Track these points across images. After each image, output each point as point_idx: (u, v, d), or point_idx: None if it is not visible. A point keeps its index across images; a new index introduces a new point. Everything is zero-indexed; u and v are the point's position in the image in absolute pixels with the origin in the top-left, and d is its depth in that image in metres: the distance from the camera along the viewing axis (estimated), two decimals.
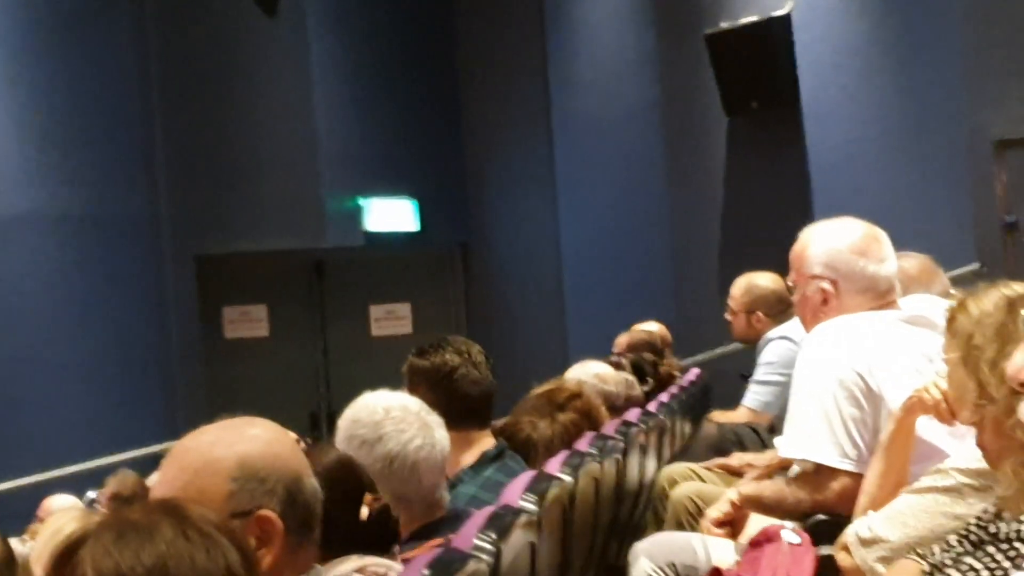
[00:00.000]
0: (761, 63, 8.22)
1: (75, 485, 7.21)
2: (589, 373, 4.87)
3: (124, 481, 6.39)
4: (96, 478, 7.23)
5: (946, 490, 2.54)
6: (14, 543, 3.78)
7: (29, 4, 8.75)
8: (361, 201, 10.67)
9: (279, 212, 10.08)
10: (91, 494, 6.76)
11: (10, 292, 8.77)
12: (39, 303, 8.85)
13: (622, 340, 6.59)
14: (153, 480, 2.59)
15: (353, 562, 2.30)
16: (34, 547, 3.72)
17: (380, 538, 2.48)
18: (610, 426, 4.03)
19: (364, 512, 2.66)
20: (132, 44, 9.09)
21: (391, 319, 10.69)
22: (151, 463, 7.15)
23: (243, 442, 1.99)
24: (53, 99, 8.88)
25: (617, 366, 5.37)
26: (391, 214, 10.83)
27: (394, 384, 3.16)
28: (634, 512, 4.29)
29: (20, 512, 6.99)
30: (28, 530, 6.12)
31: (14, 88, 8.81)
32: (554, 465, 3.14)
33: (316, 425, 9.61)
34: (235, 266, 10.14)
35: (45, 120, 8.88)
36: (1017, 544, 2.16)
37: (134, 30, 9.13)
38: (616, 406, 4.72)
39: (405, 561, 2.43)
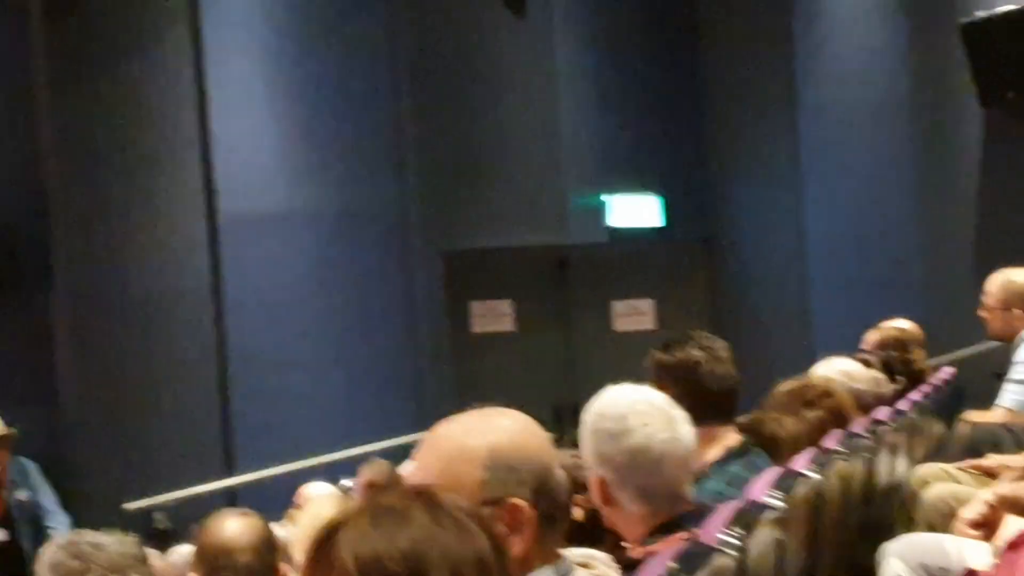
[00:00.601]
0: (1019, 52, 7.97)
1: (330, 473, 7.44)
2: (837, 370, 4.79)
3: (377, 470, 6.57)
4: (349, 467, 7.44)
5: None
6: (275, 527, 3.93)
7: (287, 8, 9.06)
8: (604, 197, 10.69)
9: (524, 209, 10.18)
10: (346, 482, 6.96)
11: (269, 287, 9.10)
12: (296, 298, 9.15)
13: (871, 337, 6.45)
14: (406, 469, 2.65)
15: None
16: (293, 532, 3.86)
17: (591, 537, 2.50)
18: (859, 424, 3.96)
19: (578, 513, 2.69)
20: (384, 45, 9.32)
21: (634, 314, 10.68)
22: (402, 453, 7.32)
23: (494, 432, 2.02)
24: (310, 100, 9.16)
25: (866, 363, 5.26)
26: (634, 210, 10.82)
27: (637, 379, 3.16)
28: (883, 512, 4.20)
29: (279, 498, 7.25)
30: (287, 515, 6.34)
31: (273, 90, 9.13)
32: (801, 462, 3.10)
33: (560, 419, 9.68)
34: (481, 262, 10.30)
35: (302, 121, 9.17)
36: None
37: (386, 32, 9.36)
38: (865, 404, 4.62)
39: (648, 554, 2.43)
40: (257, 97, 9.14)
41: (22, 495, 7.99)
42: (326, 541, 1.62)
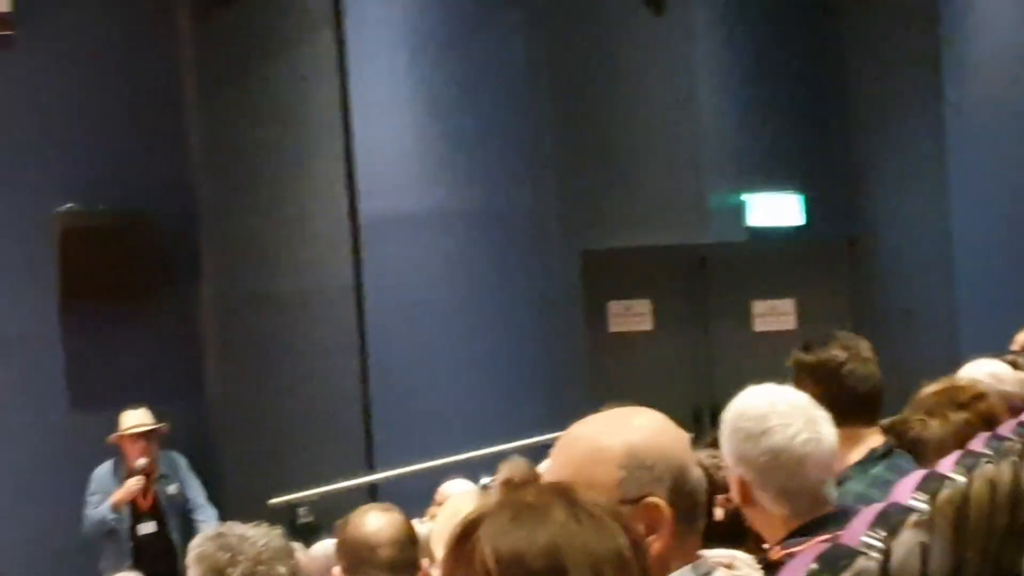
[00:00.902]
0: None
1: (468, 471, 7.48)
2: (984, 372, 4.69)
3: (516, 468, 6.59)
4: (487, 465, 7.48)
5: None
6: (415, 524, 3.98)
7: (428, 11, 9.14)
8: (744, 196, 10.60)
9: (663, 208, 10.14)
10: (485, 479, 7.00)
11: (410, 285, 9.19)
12: (435, 297, 9.22)
13: (1021, 338, 6.31)
14: (543, 467, 2.67)
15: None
16: (433, 528, 3.90)
17: (733, 537, 2.49)
18: (1006, 427, 3.87)
19: (719, 513, 2.67)
20: (523, 45, 9.35)
21: (774, 314, 10.57)
22: (540, 452, 7.33)
23: (630, 431, 2.02)
24: (450, 101, 9.23)
25: (1014, 365, 5.15)
26: (775, 209, 10.71)
27: (778, 380, 3.13)
28: None
29: (418, 495, 7.32)
30: (426, 512, 6.40)
31: (414, 91, 9.22)
32: (947, 465, 3.05)
33: (699, 419, 9.62)
34: (620, 261, 10.28)
35: (443, 121, 9.25)
36: None
37: (525, 32, 9.39)
38: (1013, 407, 4.52)
39: (789, 556, 2.42)
40: (398, 98, 9.23)
41: (172, 488, 8.20)
42: (466, 536, 1.64)
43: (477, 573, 1.59)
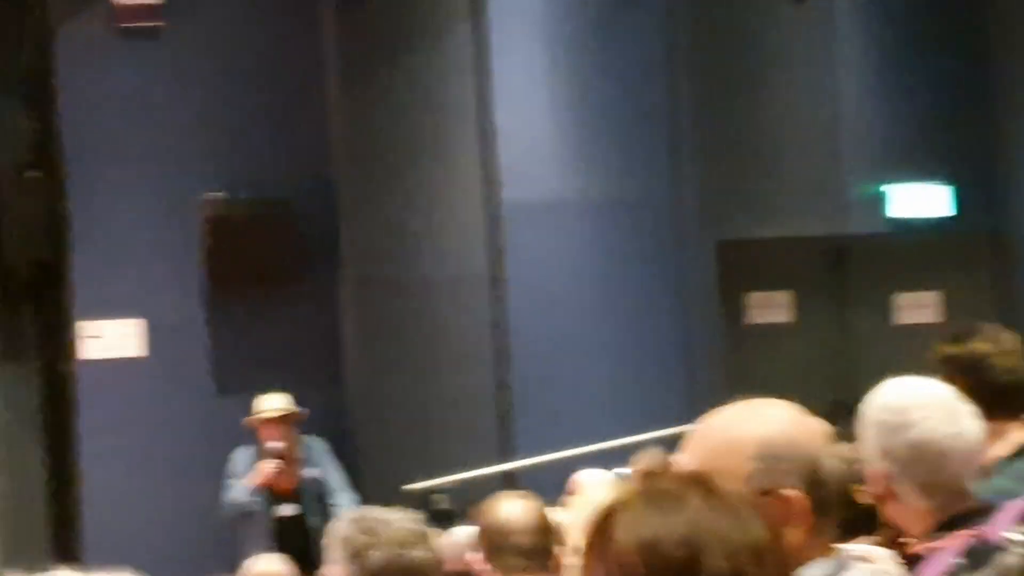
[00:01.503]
0: None
1: (603, 461, 7.48)
2: None
3: (651, 459, 6.58)
4: (623, 455, 7.47)
5: None
6: (550, 512, 4.00)
7: None
8: (886, 187, 10.42)
9: (801, 198, 10.02)
10: (621, 470, 6.99)
11: (546, 275, 9.20)
12: (573, 286, 9.23)
13: None
14: (677, 459, 2.67)
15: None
16: (568, 517, 3.92)
17: (866, 527, 2.45)
18: None
19: (861, 504, 2.63)
20: (660, 32, 9.31)
21: (917, 307, 10.39)
22: (675, 443, 7.31)
23: (764, 423, 2.01)
24: (589, 89, 9.23)
25: None
26: (917, 199, 10.51)
27: (919, 373, 3.08)
28: None
29: (554, 484, 7.33)
30: (561, 502, 6.42)
31: (553, 80, 9.23)
32: None
33: (838, 412, 9.50)
34: (757, 252, 10.18)
35: (581, 109, 9.25)
36: None
37: (664, 20, 9.34)
38: None
39: (931, 550, 2.38)
40: (537, 87, 9.25)
41: (311, 472, 8.34)
42: (604, 524, 1.65)
43: (614, 561, 1.60)
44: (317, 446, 8.47)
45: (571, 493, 6.64)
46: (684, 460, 2.09)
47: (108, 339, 8.57)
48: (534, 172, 9.10)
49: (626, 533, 1.61)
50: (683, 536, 1.59)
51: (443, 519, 7.27)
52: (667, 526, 1.60)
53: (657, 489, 1.69)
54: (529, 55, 9.06)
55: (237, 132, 8.89)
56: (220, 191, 8.78)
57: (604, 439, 8.31)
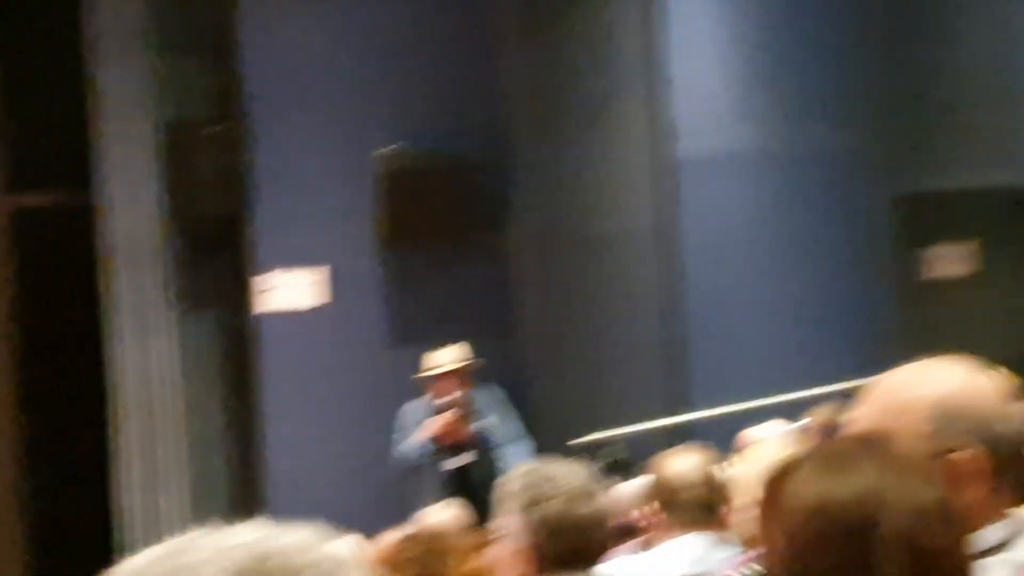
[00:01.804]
0: None
1: (775, 416, 7.43)
2: None
3: (823, 416, 6.53)
4: (794, 411, 7.41)
5: None
6: (719, 468, 4.00)
7: None
8: None
9: (984, 147, 9.75)
10: (793, 425, 6.94)
11: (718, 227, 9.14)
12: (747, 239, 9.15)
13: None
14: (849, 417, 2.65)
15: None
16: (736, 474, 3.91)
17: None
18: None
19: None
20: None
21: None
22: (849, 399, 7.21)
23: (940, 382, 1.99)
24: (763, 40, 9.10)
25: None
26: None
27: None
28: None
29: (724, 439, 7.31)
30: (728, 458, 6.40)
31: (727, 31, 9.13)
32: None
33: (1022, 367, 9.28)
34: (936, 204, 9.94)
35: (756, 61, 9.14)
36: None
37: None
38: None
39: None
40: (709, 37, 9.16)
41: (485, 422, 8.43)
42: (776, 484, 1.65)
43: (786, 522, 1.60)
44: (491, 396, 8.55)
45: (740, 449, 6.62)
46: (856, 419, 2.08)
47: (287, 290, 8.77)
48: (706, 124, 9.03)
49: (798, 494, 1.61)
50: (856, 498, 1.58)
51: (612, 472, 7.31)
52: (840, 488, 1.59)
53: (830, 450, 1.69)
54: (702, 5, 8.98)
55: (415, 87, 8.99)
56: (398, 145, 8.88)
57: (777, 393, 8.26)
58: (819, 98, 9.10)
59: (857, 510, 1.57)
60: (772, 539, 1.62)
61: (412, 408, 8.36)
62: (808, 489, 1.61)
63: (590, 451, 8.43)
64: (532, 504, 2.97)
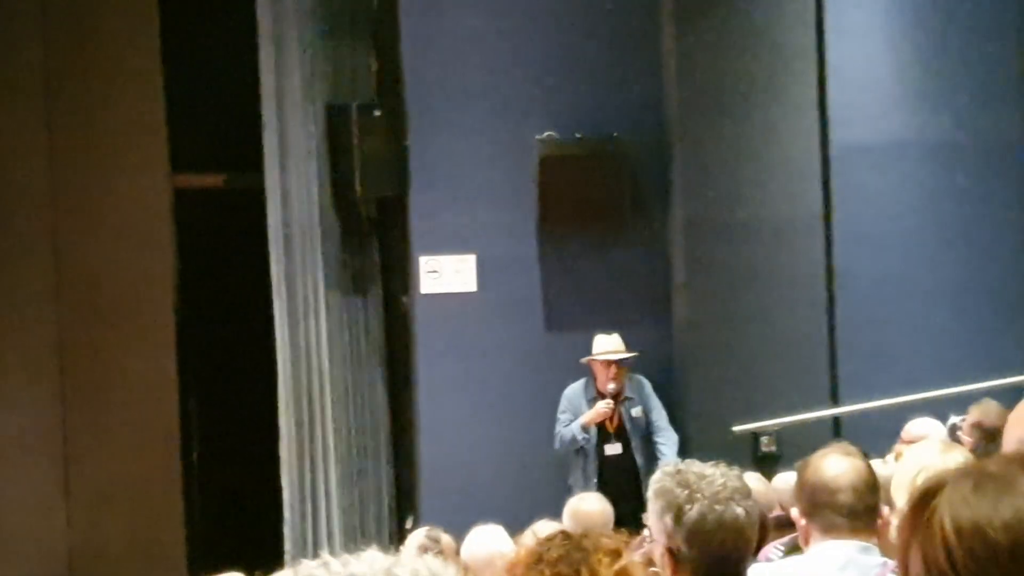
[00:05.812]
0: None
1: (937, 409, 7.29)
2: None
3: (987, 411, 6.38)
4: (956, 404, 7.26)
5: None
6: (876, 464, 3.93)
7: None
8: None
9: None
10: (954, 419, 6.81)
11: (882, 215, 8.99)
12: (908, 226, 8.98)
13: None
14: (1006, 437, 2.55)
15: None
16: (895, 473, 3.85)
17: None
18: None
19: None
20: None
21: None
22: (1012, 394, 7.04)
23: None
24: (929, 27, 8.92)
25: None
26: None
27: None
28: None
29: (883, 431, 7.20)
30: (892, 450, 6.29)
31: (892, 17, 8.96)
32: None
33: None
34: None
35: (921, 48, 8.95)
36: None
37: None
38: None
39: None
40: (875, 24, 8.99)
41: (636, 411, 8.44)
42: (925, 503, 1.61)
43: (935, 542, 1.57)
44: (643, 384, 8.56)
45: (903, 442, 6.51)
46: (1012, 426, 2.02)
47: (445, 274, 8.86)
48: (868, 112, 8.89)
49: (948, 515, 1.58)
50: (1008, 522, 1.54)
51: (768, 463, 7.25)
52: (993, 510, 1.55)
53: (984, 470, 1.64)
54: None
55: (573, 73, 8.98)
56: (555, 131, 8.90)
57: (937, 387, 8.11)
58: (981, 86, 8.90)
59: (1008, 535, 1.53)
60: (919, 559, 1.59)
61: (572, 392, 8.40)
62: (958, 511, 1.58)
63: (747, 440, 8.38)
64: (675, 506, 2.96)
